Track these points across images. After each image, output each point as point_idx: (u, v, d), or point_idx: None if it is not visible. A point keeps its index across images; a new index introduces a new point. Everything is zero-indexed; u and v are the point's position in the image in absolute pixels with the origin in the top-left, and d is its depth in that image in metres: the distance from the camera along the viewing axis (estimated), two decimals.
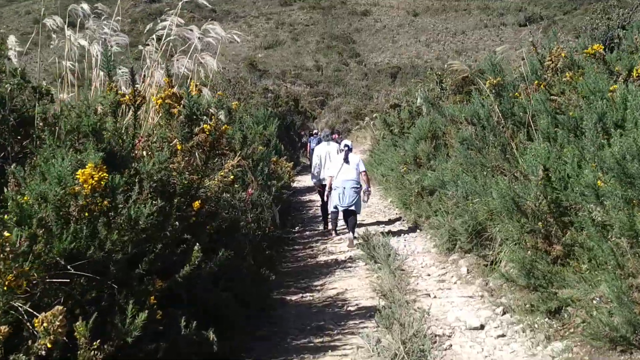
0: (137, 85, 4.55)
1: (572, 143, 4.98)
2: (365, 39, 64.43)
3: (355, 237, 8.86)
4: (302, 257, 8.47)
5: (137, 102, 4.62)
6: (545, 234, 4.91)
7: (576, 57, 6.29)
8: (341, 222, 9.89)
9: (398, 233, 9.59)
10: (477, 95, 7.50)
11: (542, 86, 6.35)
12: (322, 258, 8.32)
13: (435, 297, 6.13)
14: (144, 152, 4.18)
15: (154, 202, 3.73)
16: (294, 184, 17.86)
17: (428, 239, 8.81)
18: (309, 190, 16.67)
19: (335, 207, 9.43)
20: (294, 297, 6.33)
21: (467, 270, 6.80)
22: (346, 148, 9.61)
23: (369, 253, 7.61)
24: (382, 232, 9.24)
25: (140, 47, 6.93)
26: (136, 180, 3.78)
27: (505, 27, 62.52)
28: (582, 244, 4.51)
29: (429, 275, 6.99)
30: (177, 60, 6.39)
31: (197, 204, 4.15)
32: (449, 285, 6.53)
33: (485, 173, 6.78)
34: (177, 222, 4.15)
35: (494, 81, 6.87)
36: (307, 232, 10.49)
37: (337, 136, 12.01)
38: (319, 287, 6.72)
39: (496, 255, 6.43)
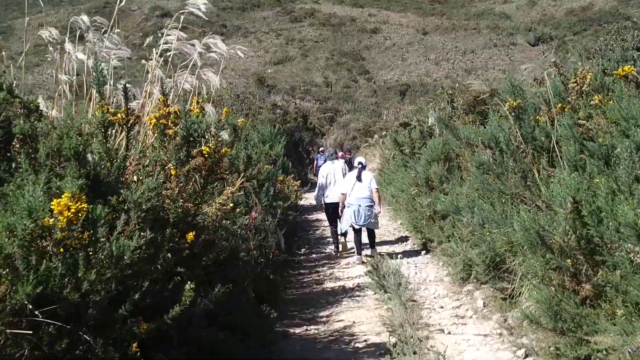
0: (131, 103, 4.17)
1: (603, 173, 4.55)
2: (374, 57, 64.29)
3: (377, 254, 8.87)
4: (307, 283, 8.03)
5: (130, 122, 4.24)
6: (574, 272, 4.45)
7: (604, 79, 5.86)
8: (349, 244, 9.98)
9: (408, 257, 9.15)
10: (495, 118, 7.09)
11: (566, 109, 5.93)
12: (328, 284, 7.87)
13: (449, 333, 5.68)
14: (135, 177, 3.78)
15: (142, 233, 3.34)
16: (302, 202, 17.47)
17: (440, 266, 8.35)
18: (316, 208, 16.27)
19: (350, 226, 9.25)
20: (297, 330, 5.89)
21: (484, 303, 6.34)
22: (360, 166, 9.53)
23: (379, 282, 7.17)
24: (391, 255, 8.80)
25: (143, 61, 6.59)
26: (123, 209, 3.39)
27: (515, 47, 62.24)
28: (616, 286, 4.06)
29: (442, 307, 6.54)
30: (179, 75, 6.04)
31: (191, 235, 3.74)
32: (465, 319, 6.07)
33: (503, 200, 6.35)
34: (169, 254, 3.75)
35: (514, 103, 6.45)
36: (314, 255, 10.06)
37: (349, 154, 11.83)
38: (324, 319, 6.28)
39: (515, 290, 5.98)
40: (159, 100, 4.27)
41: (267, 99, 23.62)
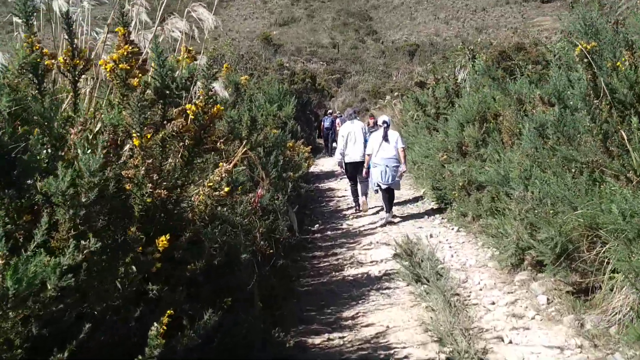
0: (76, 40, 2.81)
1: None
2: (382, 16, 62.21)
3: (394, 216, 9.20)
4: (324, 270, 6.73)
5: (79, 68, 2.90)
6: None
7: None
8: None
9: (440, 236, 7.83)
10: (556, 68, 5.70)
11: None
12: (350, 271, 6.57)
13: (510, 342, 4.39)
14: (80, 150, 2.43)
15: (83, 242, 2.07)
16: (312, 168, 16.15)
17: (480, 247, 7.05)
18: (328, 176, 14.93)
19: (377, 185, 9.17)
20: (317, 340, 4.59)
21: (547, 300, 5.04)
22: (385, 125, 9.21)
23: (412, 270, 5.88)
24: (421, 236, 7.52)
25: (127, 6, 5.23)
26: (45, 204, 2.09)
27: (528, 4, 59.88)
28: None
29: (493, 303, 5.23)
30: (169, 23, 4.71)
31: (163, 240, 2.43)
32: (525, 321, 4.77)
33: (574, 170, 4.99)
34: (133, 268, 2.47)
35: (588, 46, 5.02)
36: (329, 233, 8.74)
37: (372, 118, 10.72)
38: (350, 322, 4.98)
39: (590, 284, 4.68)
40: (120, 37, 2.89)
41: (273, 59, 22.09)
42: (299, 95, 21.87)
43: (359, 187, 9.98)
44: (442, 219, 8.85)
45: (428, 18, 60.70)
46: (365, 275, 6.39)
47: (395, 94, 22.09)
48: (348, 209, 10.40)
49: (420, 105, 11.58)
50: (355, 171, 9.90)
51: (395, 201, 9.77)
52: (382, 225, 8.76)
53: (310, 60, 43.26)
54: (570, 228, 4.75)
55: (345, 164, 10.05)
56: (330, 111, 23.89)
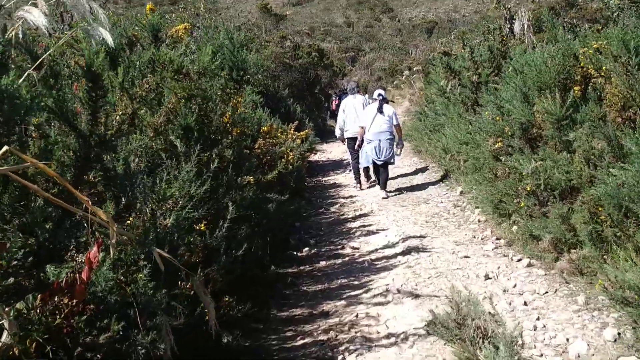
0: None
1: None
2: None
3: (388, 192, 8.37)
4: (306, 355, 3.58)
5: None
6: None
7: None
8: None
9: (501, 277, 4.62)
10: None
11: None
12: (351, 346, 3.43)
13: None
14: None
15: None
16: (317, 157, 12.93)
17: (583, 306, 3.84)
18: (335, 166, 11.70)
19: (372, 162, 8.48)
20: None
21: None
22: (380, 97, 8.53)
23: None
24: (470, 276, 4.35)
25: None
26: None
27: None
28: None
29: None
30: None
31: None
32: None
33: None
34: None
35: None
36: (323, 262, 5.55)
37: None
38: None
39: None
40: None
41: (275, 31, 18.78)
42: (305, 72, 18.59)
43: (360, 162, 9.06)
44: (497, 240, 5.59)
45: None
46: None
47: (415, 68, 18.67)
48: (356, 217, 7.18)
49: (452, 72, 8.26)
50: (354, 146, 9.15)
51: (423, 205, 6.64)
52: (384, 198, 8.11)
53: (324, 40, 39.83)
54: None
55: (347, 139, 9.46)
56: (344, 89, 20.67)
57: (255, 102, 9.43)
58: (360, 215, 7.18)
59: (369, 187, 9.21)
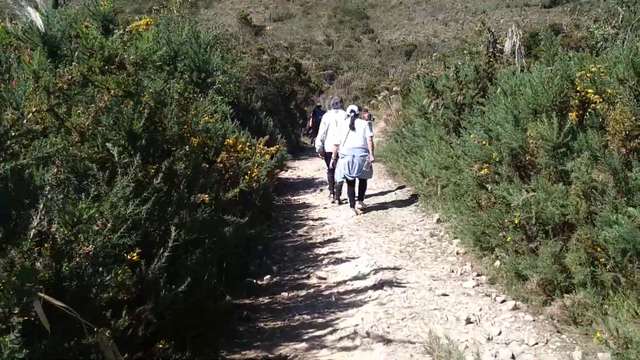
0: None
1: None
2: (379, 15, 58.75)
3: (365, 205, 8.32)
4: None
5: None
6: None
7: None
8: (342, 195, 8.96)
9: (484, 320, 4.06)
10: None
11: None
12: None
13: None
14: None
15: None
16: (287, 174, 12.33)
17: (564, 353, 3.31)
18: (305, 185, 11.11)
19: (344, 178, 8.33)
20: None
21: None
22: (352, 114, 8.42)
23: None
24: (449, 319, 3.79)
25: None
26: None
27: (529, 8, 56.33)
28: None
29: None
30: None
31: None
32: None
33: None
34: None
35: None
36: (285, 294, 4.91)
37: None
38: None
39: None
40: None
41: (252, 42, 18.24)
42: (281, 86, 18.05)
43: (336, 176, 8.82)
44: (478, 276, 5.04)
45: (426, 19, 57.27)
46: None
47: (395, 88, 18.24)
48: (325, 242, 6.59)
49: (435, 92, 7.75)
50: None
51: (397, 231, 6.12)
52: (356, 214, 8.07)
53: (303, 57, 39.41)
54: None
55: (326, 153, 9.45)
56: (317, 104, 20.18)
57: (224, 112, 8.82)
58: (330, 241, 6.58)
59: (340, 206, 8.68)
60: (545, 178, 4.38)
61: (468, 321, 3.98)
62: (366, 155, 8.09)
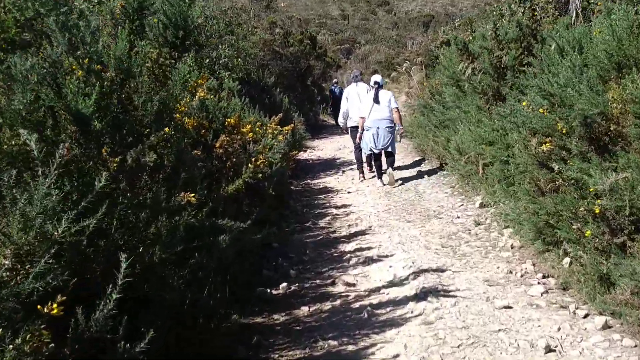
0: None
1: None
2: None
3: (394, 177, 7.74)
4: None
5: None
6: None
7: None
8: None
9: (570, 348, 3.04)
10: None
11: None
12: None
13: None
14: None
15: None
16: (306, 155, 11.34)
17: None
18: (326, 166, 10.11)
19: (371, 150, 7.96)
20: None
21: None
22: (376, 86, 8.00)
23: None
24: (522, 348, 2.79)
25: None
26: None
27: None
28: None
29: None
30: None
31: None
32: None
33: None
34: None
35: None
36: (305, 308, 3.93)
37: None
38: None
39: None
40: None
41: (264, 15, 17.10)
42: (296, 62, 16.96)
43: (363, 153, 8.53)
44: (544, 278, 4.01)
45: None
46: None
47: (417, 59, 17.01)
48: (351, 236, 5.59)
49: (469, 55, 6.64)
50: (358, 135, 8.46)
51: (433, 219, 5.14)
52: (389, 183, 7.72)
53: (318, 33, 38.13)
54: None
55: (350, 128, 8.92)
56: (335, 81, 19.05)
57: (231, 89, 7.82)
58: (357, 234, 5.58)
59: (366, 189, 7.72)
60: (637, 153, 3.31)
61: (548, 349, 2.96)
62: (392, 127, 7.82)
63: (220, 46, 9.38)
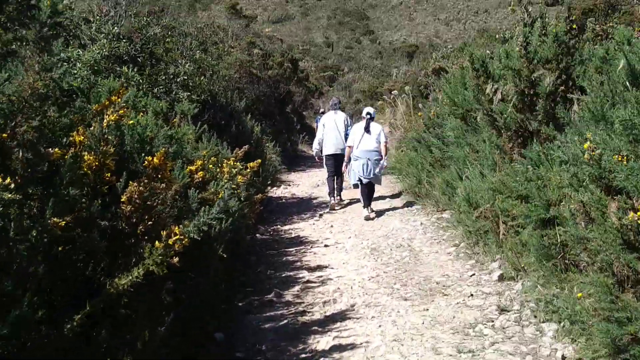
0: None
1: None
2: (379, 16, 56.61)
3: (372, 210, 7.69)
4: None
5: None
6: None
7: None
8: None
9: None
10: None
11: None
12: None
13: None
14: None
15: None
16: (280, 191, 9.75)
17: None
18: (301, 207, 8.52)
19: (359, 180, 7.76)
20: None
21: None
22: (368, 116, 8.02)
23: None
24: None
25: None
26: None
27: (532, 6, 53.88)
28: None
29: None
30: None
31: None
32: None
33: None
34: None
35: None
36: None
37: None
38: None
39: None
40: None
41: (243, 35, 15.57)
42: (275, 86, 15.47)
43: (334, 182, 8.60)
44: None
45: (427, 19, 55.06)
46: None
47: (407, 87, 15.55)
48: (326, 320, 3.97)
49: (486, 77, 5.13)
50: (335, 165, 8.56)
51: (437, 297, 3.55)
52: (366, 218, 7.45)
53: (302, 60, 36.95)
54: None
55: (325, 156, 8.76)
56: (322, 111, 17.65)
57: (185, 112, 6.37)
58: (335, 317, 3.96)
59: (347, 243, 6.13)
60: None
61: None
62: (380, 159, 7.71)
63: (180, 61, 7.83)
